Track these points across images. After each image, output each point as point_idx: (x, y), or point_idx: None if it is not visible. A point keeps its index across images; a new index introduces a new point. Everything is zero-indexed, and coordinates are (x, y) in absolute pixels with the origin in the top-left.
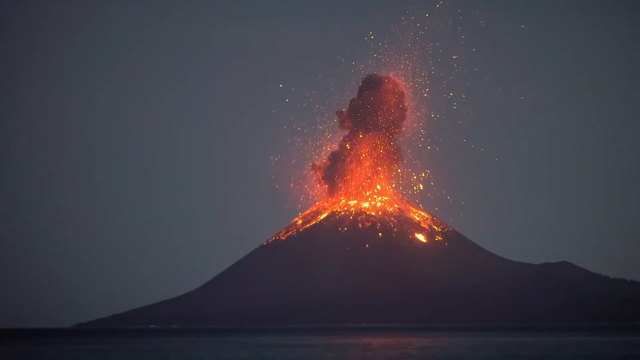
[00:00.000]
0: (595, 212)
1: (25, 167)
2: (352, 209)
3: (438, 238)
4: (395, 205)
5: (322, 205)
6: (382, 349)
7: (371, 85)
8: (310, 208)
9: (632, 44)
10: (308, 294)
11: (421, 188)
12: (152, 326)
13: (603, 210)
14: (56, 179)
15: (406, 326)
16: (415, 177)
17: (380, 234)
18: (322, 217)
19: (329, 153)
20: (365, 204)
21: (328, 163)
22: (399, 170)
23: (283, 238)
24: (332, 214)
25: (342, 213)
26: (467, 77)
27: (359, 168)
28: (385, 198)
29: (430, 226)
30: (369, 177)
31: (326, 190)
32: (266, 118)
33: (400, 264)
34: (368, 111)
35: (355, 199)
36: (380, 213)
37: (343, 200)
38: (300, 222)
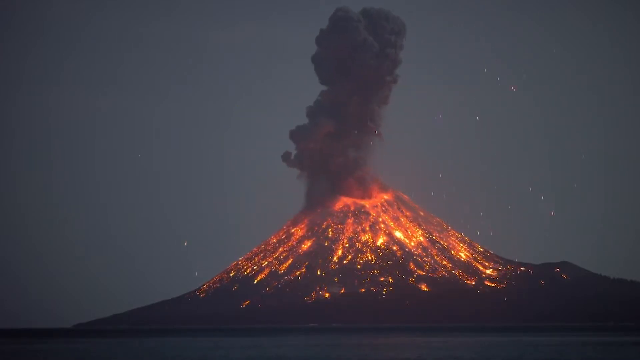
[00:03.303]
0: (595, 212)
1: (25, 167)
2: (351, 208)
3: (437, 238)
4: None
5: (320, 205)
6: (387, 349)
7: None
8: (311, 207)
9: (632, 43)
10: (309, 293)
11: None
12: (152, 326)
13: (603, 210)
14: (56, 179)
15: (404, 326)
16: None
17: (381, 236)
18: (320, 215)
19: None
20: (366, 205)
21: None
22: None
23: (282, 237)
24: (333, 212)
25: (342, 214)
26: (468, 77)
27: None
28: (386, 197)
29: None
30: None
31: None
32: (266, 118)
33: (399, 264)
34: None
35: (353, 197)
36: (379, 210)
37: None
38: (300, 221)
